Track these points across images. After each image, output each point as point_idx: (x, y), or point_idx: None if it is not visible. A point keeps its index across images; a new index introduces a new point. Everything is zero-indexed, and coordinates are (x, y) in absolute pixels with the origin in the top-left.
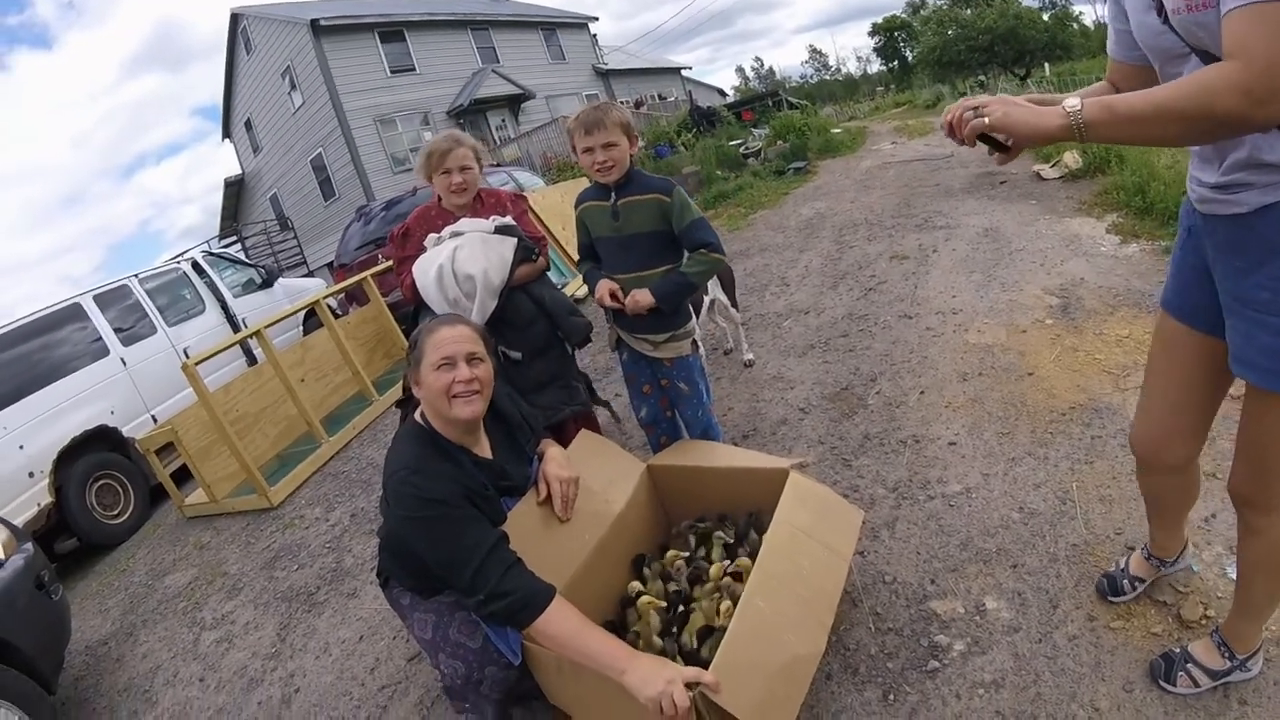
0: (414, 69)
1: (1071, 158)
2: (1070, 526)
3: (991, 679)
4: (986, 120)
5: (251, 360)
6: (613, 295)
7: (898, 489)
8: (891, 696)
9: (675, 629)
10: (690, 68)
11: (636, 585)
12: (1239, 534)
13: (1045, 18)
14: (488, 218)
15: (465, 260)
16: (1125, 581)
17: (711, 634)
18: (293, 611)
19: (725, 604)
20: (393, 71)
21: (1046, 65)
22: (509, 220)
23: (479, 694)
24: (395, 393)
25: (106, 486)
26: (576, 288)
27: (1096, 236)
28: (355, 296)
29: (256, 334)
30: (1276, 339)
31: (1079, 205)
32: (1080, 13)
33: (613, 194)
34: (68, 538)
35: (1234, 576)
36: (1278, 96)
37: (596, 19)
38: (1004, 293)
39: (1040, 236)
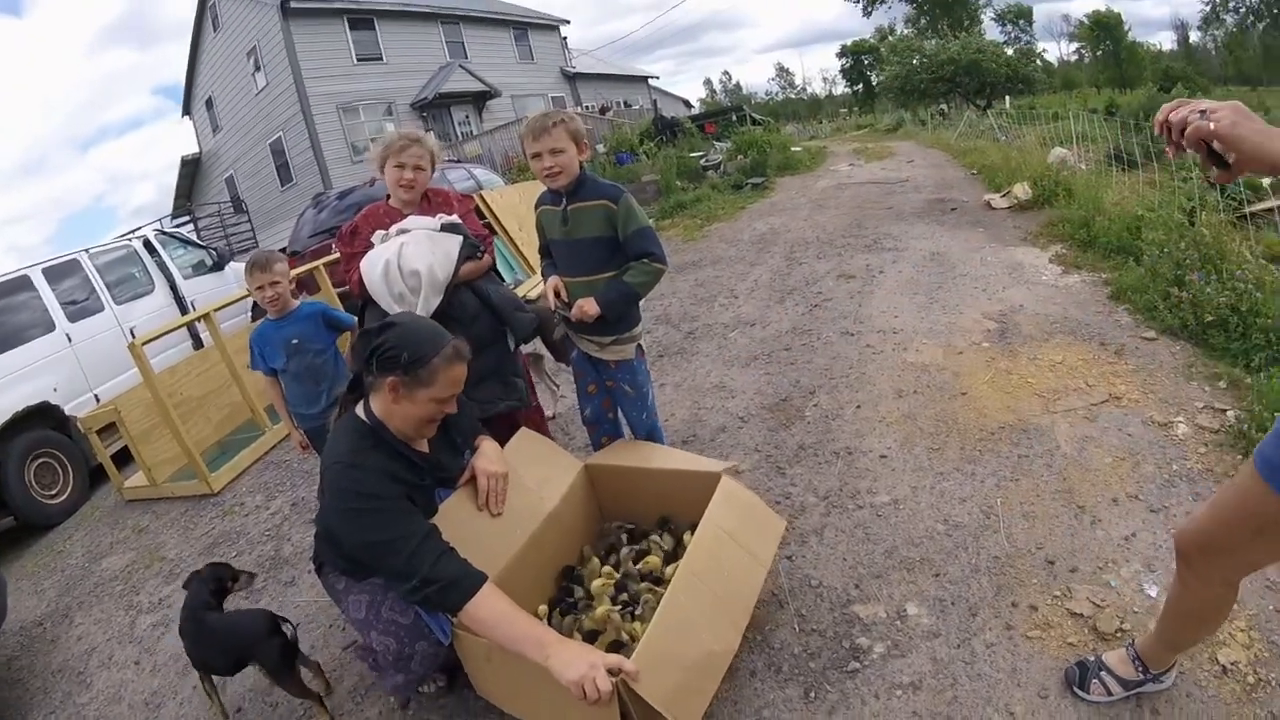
0: (381, 58)
1: (1021, 189)
2: (993, 540)
3: (910, 681)
4: (1212, 126)
5: (198, 344)
6: (556, 293)
7: (828, 498)
8: (813, 694)
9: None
10: (658, 77)
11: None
12: (1174, 583)
13: (1010, 51)
14: (434, 216)
15: (411, 256)
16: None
17: (621, 648)
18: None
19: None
20: (359, 59)
21: (1007, 98)
22: (455, 219)
23: (409, 670)
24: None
25: (45, 465)
26: (529, 288)
27: (1039, 266)
28: (306, 285)
29: (205, 317)
30: None
31: (1025, 235)
32: (1044, 50)
33: (564, 199)
34: (3, 516)
35: (1151, 593)
36: None
37: (569, 22)
38: (945, 315)
39: (985, 263)
